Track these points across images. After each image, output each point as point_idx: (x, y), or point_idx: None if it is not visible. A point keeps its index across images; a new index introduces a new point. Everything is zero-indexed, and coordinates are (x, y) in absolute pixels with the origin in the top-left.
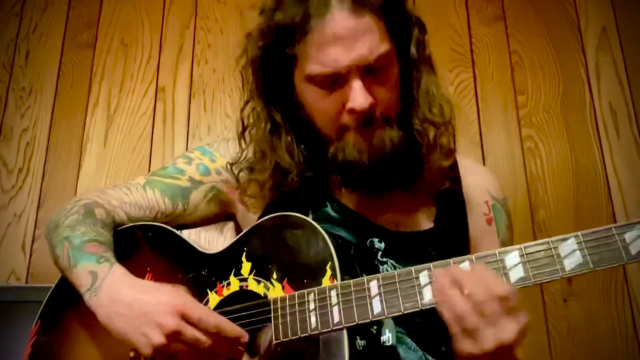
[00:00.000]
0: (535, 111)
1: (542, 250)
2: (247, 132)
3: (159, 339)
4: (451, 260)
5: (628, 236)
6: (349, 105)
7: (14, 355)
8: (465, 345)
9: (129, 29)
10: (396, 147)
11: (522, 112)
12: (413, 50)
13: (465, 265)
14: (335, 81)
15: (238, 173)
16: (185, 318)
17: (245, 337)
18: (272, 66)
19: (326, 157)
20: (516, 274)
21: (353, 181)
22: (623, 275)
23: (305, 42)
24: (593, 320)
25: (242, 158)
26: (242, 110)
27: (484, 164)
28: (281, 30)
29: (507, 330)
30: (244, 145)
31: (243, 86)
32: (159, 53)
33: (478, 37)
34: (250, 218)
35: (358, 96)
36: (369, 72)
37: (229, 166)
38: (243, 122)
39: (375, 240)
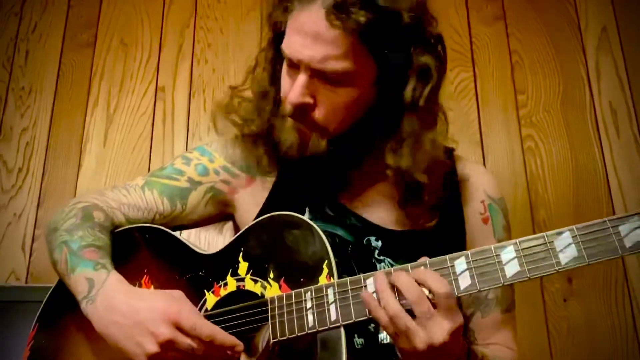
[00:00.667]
0: (536, 111)
1: (537, 245)
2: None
3: (152, 348)
4: (447, 257)
5: (622, 229)
6: (285, 93)
7: (14, 355)
8: (400, 344)
9: (129, 29)
10: (321, 152)
11: (522, 111)
12: (407, 94)
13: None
14: (294, 65)
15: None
16: (179, 327)
17: (240, 347)
18: (277, 27)
19: (275, 114)
20: (512, 268)
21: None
22: (623, 275)
23: (286, 19)
24: (593, 320)
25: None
26: (260, 51)
27: (484, 163)
28: (276, 7)
29: (437, 331)
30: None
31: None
32: (158, 53)
33: (478, 36)
34: (248, 218)
35: (293, 91)
36: (320, 77)
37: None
38: (257, 61)
39: (372, 238)
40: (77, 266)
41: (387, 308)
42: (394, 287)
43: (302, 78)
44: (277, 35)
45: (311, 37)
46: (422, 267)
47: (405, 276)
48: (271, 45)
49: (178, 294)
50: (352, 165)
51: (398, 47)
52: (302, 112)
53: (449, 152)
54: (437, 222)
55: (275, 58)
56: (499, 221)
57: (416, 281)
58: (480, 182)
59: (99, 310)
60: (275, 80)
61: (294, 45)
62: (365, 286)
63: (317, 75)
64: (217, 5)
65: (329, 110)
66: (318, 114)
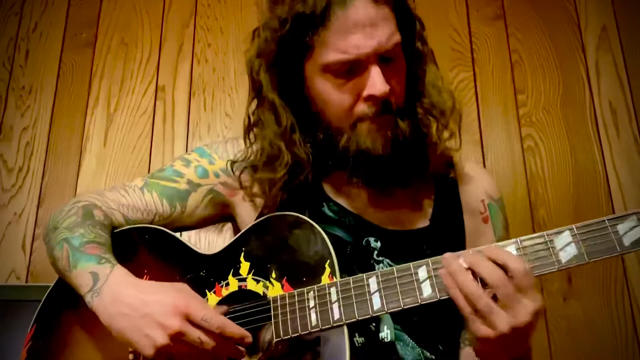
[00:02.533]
0: (535, 110)
1: (537, 244)
2: (253, 130)
3: (162, 339)
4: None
5: (621, 228)
6: (368, 91)
7: (14, 354)
8: (480, 330)
9: (129, 28)
10: (408, 139)
11: (522, 111)
12: (418, 44)
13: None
14: (352, 70)
15: (240, 173)
16: (188, 319)
17: (249, 338)
18: (287, 58)
19: (336, 149)
20: None
21: (364, 172)
22: (623, 275)
23: (325, 30)
24: (593, 319)
25: (247, 156)
26: (249, 106)
27: (483, 163)
28: (300, 20)
29: (521, 312)
30: (248, 144)
31: (251, 82)
32: (158, 52)
33: (478, 36)
34: (248, 219)
35: (378, 82)
36: (384, 61)
37: (229, 165)
38: (250, 119)
39: (372, 239)
40: (80, 261)
41: (468, 290)
42: (468, 270)
43: (375, 69)
44: (286, 63)
45: (370, 26)
46: (494, 246)
47: (483, 259)
48: (275, 80)
49: (182, 285)
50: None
51: (407, 6)
52: (386, 102)
53: (448, 155)
54: (435, 221)
55: (284, 102)
56: (499, 220)
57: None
58: (480, 182)
59: (105, 302)
60: (289, 116)
61: (355, 42)
62: (368, 285)
63: (382, 61)
64: (217, 5)
65: (398, 89)
66: (396, 98)
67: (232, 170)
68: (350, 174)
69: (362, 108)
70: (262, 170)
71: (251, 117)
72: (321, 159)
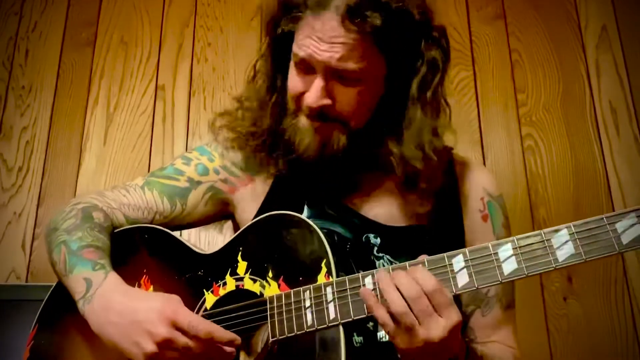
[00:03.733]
0: (536, 109)
1: (535, 242)
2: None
3: (150, 347)
4: (445, 255)
5: (619, 226)
6: (304, 98)
7: (14, 354)
8: (398, 342)
9: (129, 27)
10: (340, 149)
11: (522, 110)
12: (414, 86)
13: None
14: (307, 69)
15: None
16: (176, 326)
17: (238, 340)
18: (277, 44)
19: (280, 126)
20: (509, 266)
21: (286, 162)
22: (623, 274)
23: (298, 25)
24: (593, 319)
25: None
26: (257, 60)
27: (484, 162)
28: (287, 5)
29: (434, 327)
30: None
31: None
32: (158, 51)
33: (478, 35)
34: (247, 216)
35: (312, 94)
36: (339, 77)
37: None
38: (255, 68)
39: (371, 235)
40: (76, 266)
41: (393, 305)
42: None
43: (319, 82)
44: (279, 38)
45: (327, 42)
46: (420, 265)
47: (403, 274)
48: (270, 50)
49: (174, 296)
50: (367, 162)
51: (409, 43)
52: (321, 113)
53: (448, 151)
54: (434, 217)
55: (275, 62)
56: (498, 218)
57: (414, 279)
58: (479, 180)
59: (96, 310)
60: (275, 86)
61: (310, 47)
62: (364, 284)
63: (333, 75)
64: (217, 4)
65: (349, 104)
66: (338, 110)
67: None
68: (277, 156)
69: (304, 103)
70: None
71: (257, 71)
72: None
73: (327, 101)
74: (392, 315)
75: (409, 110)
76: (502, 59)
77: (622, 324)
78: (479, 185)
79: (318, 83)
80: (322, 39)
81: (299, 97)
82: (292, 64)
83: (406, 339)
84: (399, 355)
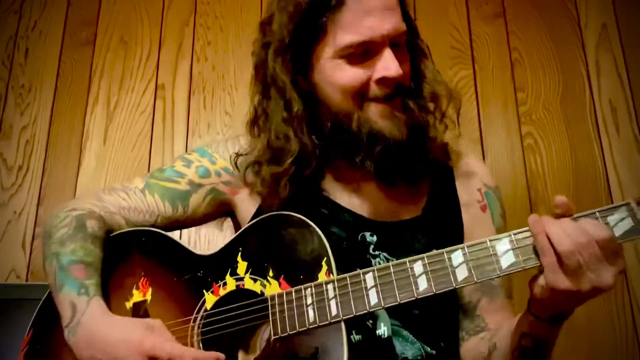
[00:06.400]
0: (535, 108)
1: (531, 236)
2: (258, 123)
3: None
4: (444, 251)
5: (611, 219)
6: (382, 73)
7: (14, 353)
8: (559, 282)
9: (129, 27)
10: (414, 123)
11: (522, 109)
12: (418, 39)
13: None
14: (364, 53)
15: (245, 170)
16: (154, 358)
17: (222, 357)
18: (300, 42)
19: (348, 134)
20: (507, 259)
21: (378, 155)
22: (623, 274)
23: (340, 13)
24: (593, 318)
25: (252, 150)
26: (253, 98)
27: (483, 161)
28: (316, 3)
29: (605, 276)
30: (254, 135)
31: (257, 73)
32: (158, 50)
33: (478, 34)
34: (248, 217)
35: (391, 64)
36: (394, 47)
37: (232, 159)
38: (256, 112)
39: (367, 234)
40: (64, 285)
41: (562, 243)
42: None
43: (388, 53)
44: (302, 38)
45: (383, 11)
46: (590, 218)
47: (571, 222)
48: (289, 56)
49: (156, 323)
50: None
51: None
52: (398, 86)
53: (444, 146)
54: (429, 210)
55: (295, 67)
56: (496, 208)
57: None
58: (476, 171)
59: (80, 344)
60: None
61: (370, 24)
62: (365, 280)
63: (392, 45)
64: (216, 3)
65: (407, 75)
66: (407, 82)
67: (236, 164)
68: (363, 158)
69: (373, 90)
70: (266, 165)
71: (257, 109)
72: (328, 150)
73: (403, 69)
74: (557, 254)
75: (419, 61)
76: (502, 57)
77: (622, 325)
78: (476, 176)
79: (388, 54)
80: (379, 10)
81: (362, 89)
82: (332, 65)
83: (570, 280)
84: (543, 295)
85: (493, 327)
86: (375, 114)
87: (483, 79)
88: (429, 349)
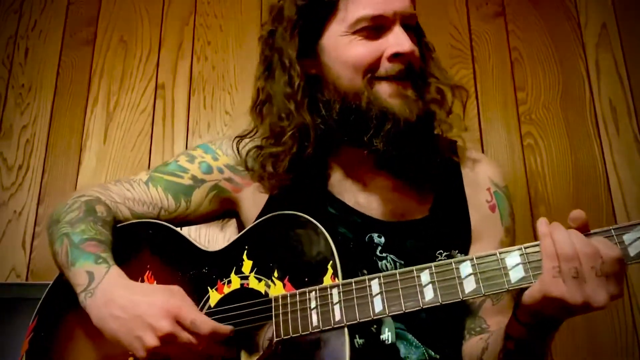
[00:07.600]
0: (535, 108)
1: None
2: (261, 106)
3: (152, 342)
4: (452, 261)
5: (626, 238)
6: (395, 49)
7: (14, 352)
8: (554, 287)
9: (129, 26)
10: (423, 105)
11: (522, 108)
12: (424, 37)
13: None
14: (377, 28)
15: (245, 156)
16: (179, 321)
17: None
18: (310, 20)
19: (358, 114)
20: (517, 273)
21: (388, 136)
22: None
23: None
24: (593, 318)
25: (253, 134)
26: (257, 82)
27: None
28: None
29: (600, 294)
30: (255, 118)
31: (263, 56)
32: (158, 50)
33: (478, 33)
34: (251, 215)
35: (404, 40)
36: (405, 27)
37: (235, 143)
38: (259, 95)
39: (375, 235)
40: (78, 259)
41: (566, 247)
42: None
43: (399, 29)
44: (311, 14)
45: None
46: (601, 236)
47: (581, 234)
48: (297, 31)
49: (176, 289)
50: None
51: None
52: (408, 63)
53: (452, 143)
54: (437, 210)
55: (302, 45)
56: (505, 208)
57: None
58: (485, 170)
59: (98, 303)
60: (298, 74)
61: (381, 1)
62: (370, 286)
63: (404, 26)
64: (216, 3)
65: (419, 60)
66: (417, 65)
67: (238, 149)
68: (371, 136)
69: (385, 67)
70: (267, 147)
71: (260, 93)
72: (334, 136)
73: (415, 46)
74: (559, 259)
75: (425, 49)
76: (501, 57)
77: (622, 325)
78: (484, 175)
79: (399, 30)
80: None
81: (373, 67)
82: (343, 42)
83: (564, 288)
84: (533, 301)
85: (494, 328)
86: (386, 93)
87: (483, 79)
88: (433, 354)
